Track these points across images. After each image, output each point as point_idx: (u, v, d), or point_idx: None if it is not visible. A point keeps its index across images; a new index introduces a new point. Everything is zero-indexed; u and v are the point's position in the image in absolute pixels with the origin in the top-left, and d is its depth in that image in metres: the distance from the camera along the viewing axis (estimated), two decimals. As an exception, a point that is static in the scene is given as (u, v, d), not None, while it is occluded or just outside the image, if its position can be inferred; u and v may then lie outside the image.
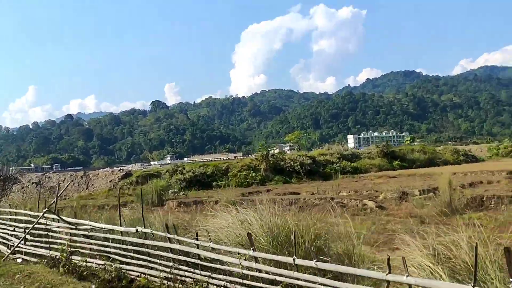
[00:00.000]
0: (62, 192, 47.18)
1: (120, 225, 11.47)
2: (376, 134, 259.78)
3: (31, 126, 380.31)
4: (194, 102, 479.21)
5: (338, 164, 49.87)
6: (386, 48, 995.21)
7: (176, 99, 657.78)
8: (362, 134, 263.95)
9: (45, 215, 13.72)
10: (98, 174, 47.43)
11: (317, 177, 46.07)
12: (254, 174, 45.17)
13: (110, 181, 44.50)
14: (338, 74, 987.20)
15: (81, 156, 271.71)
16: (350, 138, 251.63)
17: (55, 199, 13.94)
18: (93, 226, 12.16)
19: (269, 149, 55.94)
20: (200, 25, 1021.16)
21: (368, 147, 66.70)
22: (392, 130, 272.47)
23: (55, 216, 13.57)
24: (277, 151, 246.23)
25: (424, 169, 47.52)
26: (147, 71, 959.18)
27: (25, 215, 15.36)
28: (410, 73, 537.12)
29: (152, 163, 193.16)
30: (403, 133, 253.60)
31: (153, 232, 10.20)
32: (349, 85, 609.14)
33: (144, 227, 10.57)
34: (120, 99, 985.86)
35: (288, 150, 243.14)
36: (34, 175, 48.83)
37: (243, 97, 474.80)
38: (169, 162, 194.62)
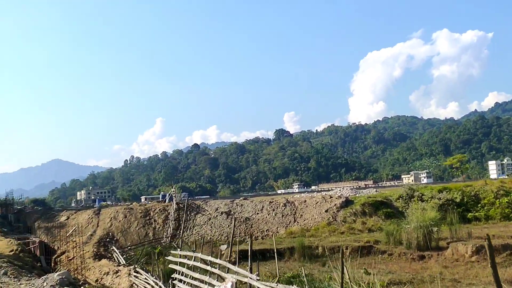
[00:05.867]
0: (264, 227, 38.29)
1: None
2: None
3: (159, 156, 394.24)
4: (316, 130, 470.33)
5: None
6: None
7: (295, 128, 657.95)
8: (506, 160, 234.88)
9: None
10: (306, 201, 37.70)
11: None
12: (523, 203, 32.54)
13: (326, 211, 34.48)
14: (461, 99, 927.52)
15: (207, 184, 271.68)
16: (492, 165, 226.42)
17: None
18: None
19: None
20: (317, 55, 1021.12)
21: None
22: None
23: None
24: (412, 179, 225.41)
25: None
26: (265, 101, 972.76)
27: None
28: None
29: (279, 191, 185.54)
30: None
31: None
32: (475, 110, 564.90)
33: None
34: (240, 129, 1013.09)
35: (424, 178, 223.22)
36: (221, 202, 40.83)
37: (366, 124, 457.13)
38: (297, 190, 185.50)
